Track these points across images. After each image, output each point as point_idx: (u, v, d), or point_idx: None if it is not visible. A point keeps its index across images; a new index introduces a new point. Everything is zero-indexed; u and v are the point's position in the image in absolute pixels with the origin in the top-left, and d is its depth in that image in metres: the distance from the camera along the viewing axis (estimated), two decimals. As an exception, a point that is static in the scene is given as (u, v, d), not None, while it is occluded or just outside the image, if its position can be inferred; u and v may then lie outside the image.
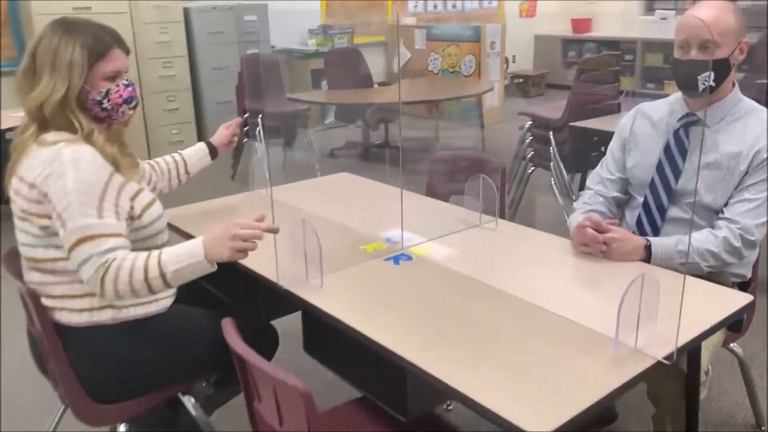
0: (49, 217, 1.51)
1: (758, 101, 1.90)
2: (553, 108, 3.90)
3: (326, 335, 1.57)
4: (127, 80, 1.62)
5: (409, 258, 1.75)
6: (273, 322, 1.91)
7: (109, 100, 1.59)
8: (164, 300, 1.70)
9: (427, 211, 2.17)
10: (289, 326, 1.85)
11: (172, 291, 1.73)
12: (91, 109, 1.58)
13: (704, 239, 1.75)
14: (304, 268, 1.61)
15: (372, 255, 1.77)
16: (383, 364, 1.34)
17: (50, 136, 1.55)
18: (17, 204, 1.56)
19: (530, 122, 3.96)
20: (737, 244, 1.74)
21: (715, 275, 1.82)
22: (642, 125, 2.01)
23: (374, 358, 1.35)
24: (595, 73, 3.69)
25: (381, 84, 6.17)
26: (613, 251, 1.71)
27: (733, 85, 1.87)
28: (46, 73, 1.54)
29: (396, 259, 1.74)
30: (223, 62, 5.99)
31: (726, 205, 1.80)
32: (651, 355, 1.25)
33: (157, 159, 2.04)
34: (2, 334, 2.77)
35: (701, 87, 1.79)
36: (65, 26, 1.56)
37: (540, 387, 1.18)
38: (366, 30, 7.67)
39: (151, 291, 1.52)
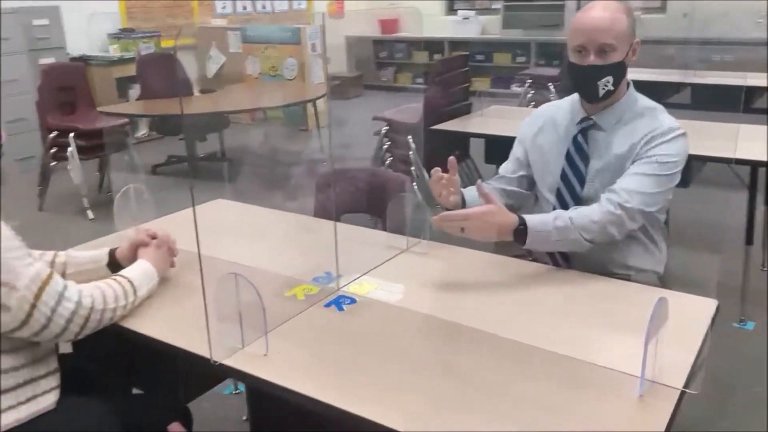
0: None
1: None
2: (408, 111, 3.82)
3: (283, 415, 1.27)
4: None
5: (353, 300, 1.49)
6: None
7: None
8: (49, 394, 1.29)
9: (345, 238, 1.91)
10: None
11: (57, 382, 1.32)
12: None
13: (588, 211, 1.68)
14: (238, 334, 1.29)
15: (306, 302, 1.49)
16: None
17: None
18: None
19: (386, 127, 3.84)
20: (618, 212, 1.67)
21: (640, 277, 1.81)
22: (545, 129, 1.94)
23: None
24: (446, 75, 3.66)
25: (203, 91, 5.68)
26: (470, 230, 1.55)
27: (628, 85, 1.85)
28: None
29: (338, 305, 1.47)
30: (11, 74, 5.10)
31: None
32: (671, 386, 1.15)
33: None
34: None
35: (602, 92, 1.75)
36: None
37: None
38: (174, 33, 7.07)
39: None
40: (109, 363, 1.55)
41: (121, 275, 1.43)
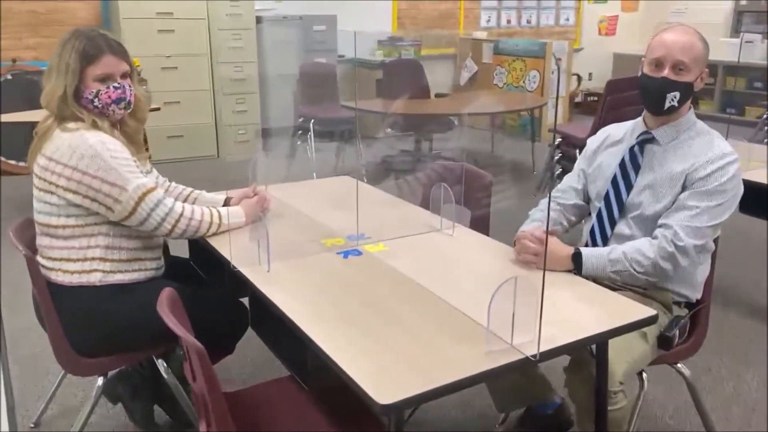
0: (75, 192, 1.80)
1: None
2: (583, 127, 3.94)
3: (264, 313, 1.77)
4: (118, 83, 1.88)
5: (359, 253, 1.92)
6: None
7: (99, 100, 1.86)
8: (149, 271, 1.97)
9: (400, 213, 2.33)
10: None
11: (158, 266, 2.00)
12: (86, 106, 1.87)
13: (640, 245, 1.82)
14: (256, 254, 1.82)
15: (329, 249, 1.96)
16: (295, 340, 1.52)
17: (71, 124, 1.85)
18: (44, 178, 1.85)
19: (560, 139, 4.02)
20: (670, 249, 1.79)
21: (656, 293, 1.89)
22: (606, 143, 2.10)
23: (292, 335, 1.54)
24: (624, 95, 3.71)
25: (438, 95, 6.32)
26: (539, 263, 1.80)
27: (689, 108, 1.94)
28: (53, 73, 1.84)
29: (346, 254, 1.92)
30: (289, 69, 6.31)
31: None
32: (521, 352, 1.38)
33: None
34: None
35: (667, 105, 1.88)
36: (71, 34, 1.86)
37: (408, 366, 1.33)
38: (436, 42, 7.86)
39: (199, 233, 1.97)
40: (198, 263, 2.21)
41: (216, 208, 2.06)
